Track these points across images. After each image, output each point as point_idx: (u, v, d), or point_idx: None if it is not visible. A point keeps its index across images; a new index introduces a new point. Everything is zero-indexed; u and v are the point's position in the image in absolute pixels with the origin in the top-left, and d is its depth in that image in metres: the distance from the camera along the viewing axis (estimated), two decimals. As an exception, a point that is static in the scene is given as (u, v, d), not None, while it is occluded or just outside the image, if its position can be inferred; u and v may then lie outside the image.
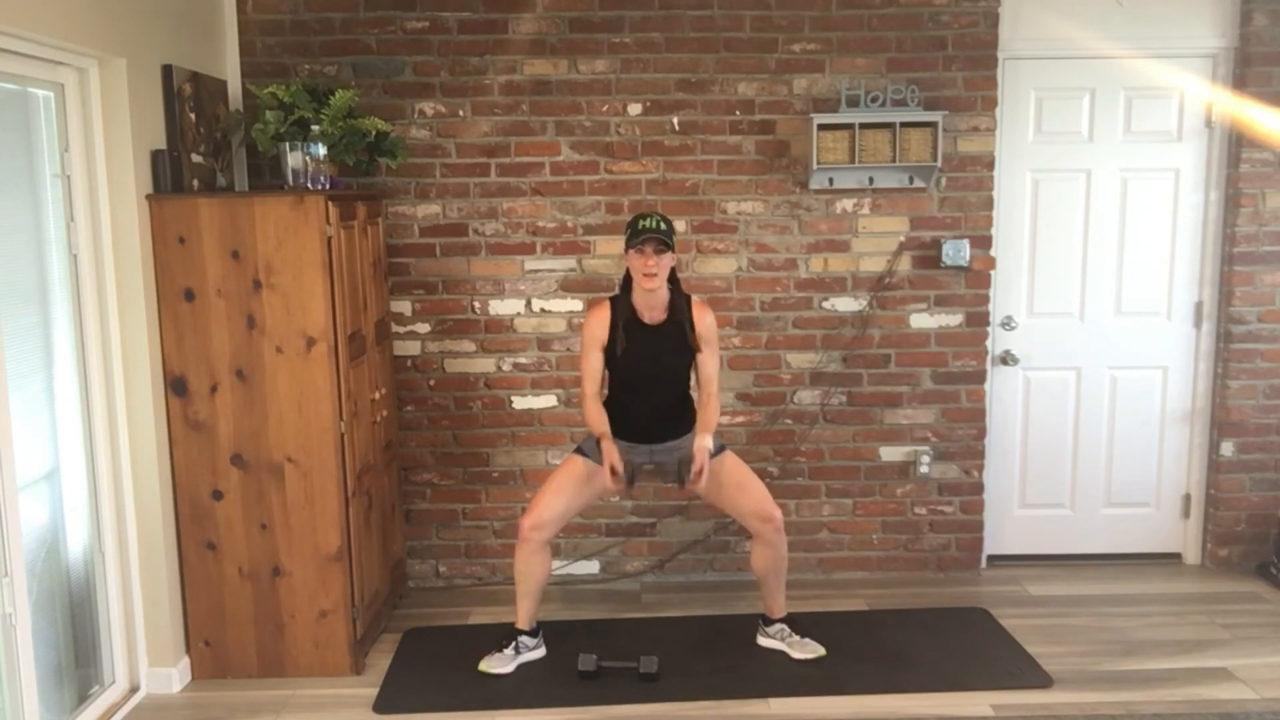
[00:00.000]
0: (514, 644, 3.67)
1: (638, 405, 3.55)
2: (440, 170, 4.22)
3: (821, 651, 3.66)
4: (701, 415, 3.52)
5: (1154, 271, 4.43)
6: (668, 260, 3.43)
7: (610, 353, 3.51)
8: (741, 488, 3.58)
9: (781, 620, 3.75)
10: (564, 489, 3.57)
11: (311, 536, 3.54)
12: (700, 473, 3.37)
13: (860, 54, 4.19)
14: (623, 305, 3.53)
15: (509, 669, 3.61)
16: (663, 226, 3.41)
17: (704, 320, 3.54)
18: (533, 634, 3.72)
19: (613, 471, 3.37)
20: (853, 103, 4.11)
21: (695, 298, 3.61)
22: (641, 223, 3.43)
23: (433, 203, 4.24)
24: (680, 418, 3.59)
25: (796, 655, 3.66)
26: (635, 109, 4.20)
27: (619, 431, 3.51)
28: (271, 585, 3.57)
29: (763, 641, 3.76)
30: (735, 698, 3.42)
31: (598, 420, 3.47)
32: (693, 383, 3.61)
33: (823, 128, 4.09)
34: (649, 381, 3.55)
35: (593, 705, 3.39)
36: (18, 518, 2.84)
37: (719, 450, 3.59)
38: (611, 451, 3.39)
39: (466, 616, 4.14)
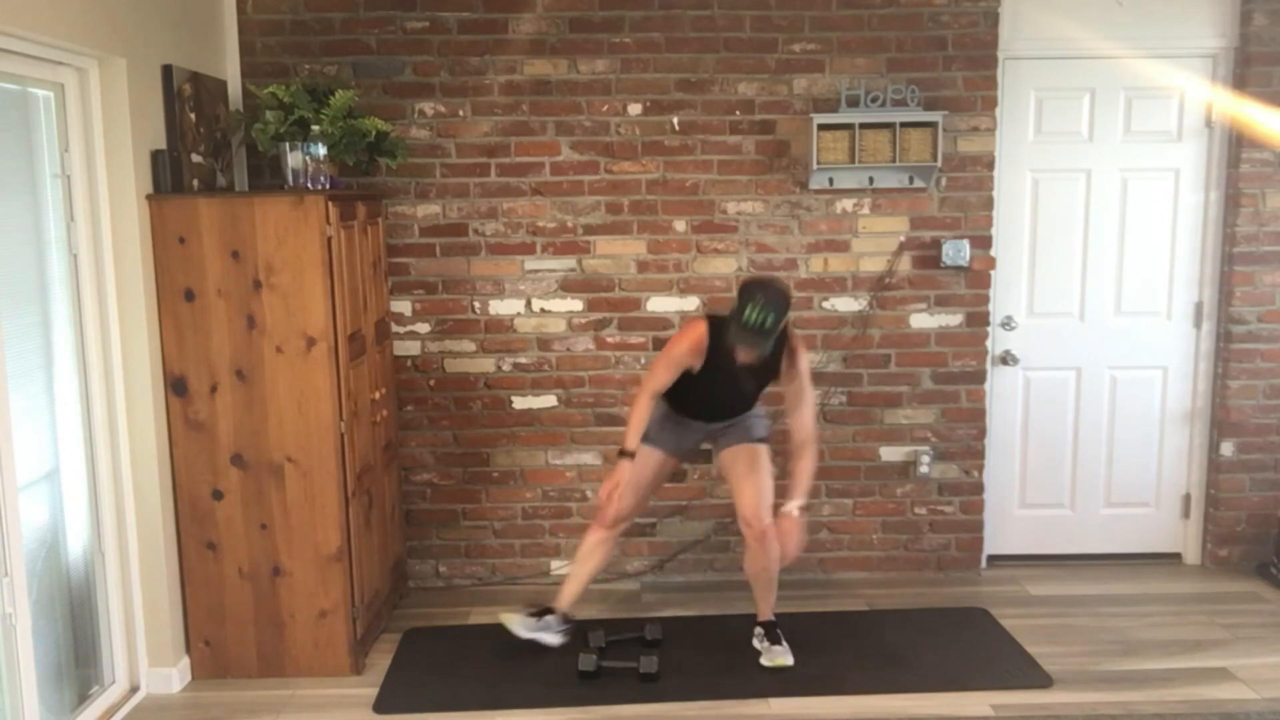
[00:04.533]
0: (544, 617, 3.72)
1: (708, 401, 3.58)
2: (440, 170, 4.22)
3: (787, 663, 3.59)
4: (795, 474, 3.46)
5: (1154, 271, 4.43)
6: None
7: (704, 377, 3.47)
8: (745, 480, 3.58)
9: (762, 624, 3.74)
10: (641, 475, 3.61)
11: (311, 536, 3.54)
12: (789, 545, 3.46)
13: (860, 54, 4.19)
14: (720, 340, 3.37)
15: (524, 636, 3.68)
16: (766, 325, 3.19)
17: (796, 364, 3.44)
18: (563, 620, 3.76)
19: (608, 499, 3.47)
20: (853, 103, 4.11)
21: (791, 337, 3.47)
22: (749, 315, 3.20)
23: (433, 203, 4.24)
24: (745, 408, 3.64)
25: (764, 662, 3.62)
26: (635, 109, 4.20)
27: (680, 406, 3.60)
28: (271, 585, 3.57)
29: (753, 641, 3.76)
30: (735, 698, 3.42)
31: (632, 435, 3.47)
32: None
33: (823, 128, 4.09)
34: (727, 398, 3.59)
35: (593, 705, 3.39)
36: (18, 518, 2.84)
37: (761, 438, 3.64)
38: (624, 477, 3.45)
39: (466, 616, 4.14)
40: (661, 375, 3.48)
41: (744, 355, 3.34)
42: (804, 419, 3.49)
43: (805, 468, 3.47)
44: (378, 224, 4.04)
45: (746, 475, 3.58)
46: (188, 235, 3.39)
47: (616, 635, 3.81)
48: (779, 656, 3.61)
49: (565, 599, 3.75)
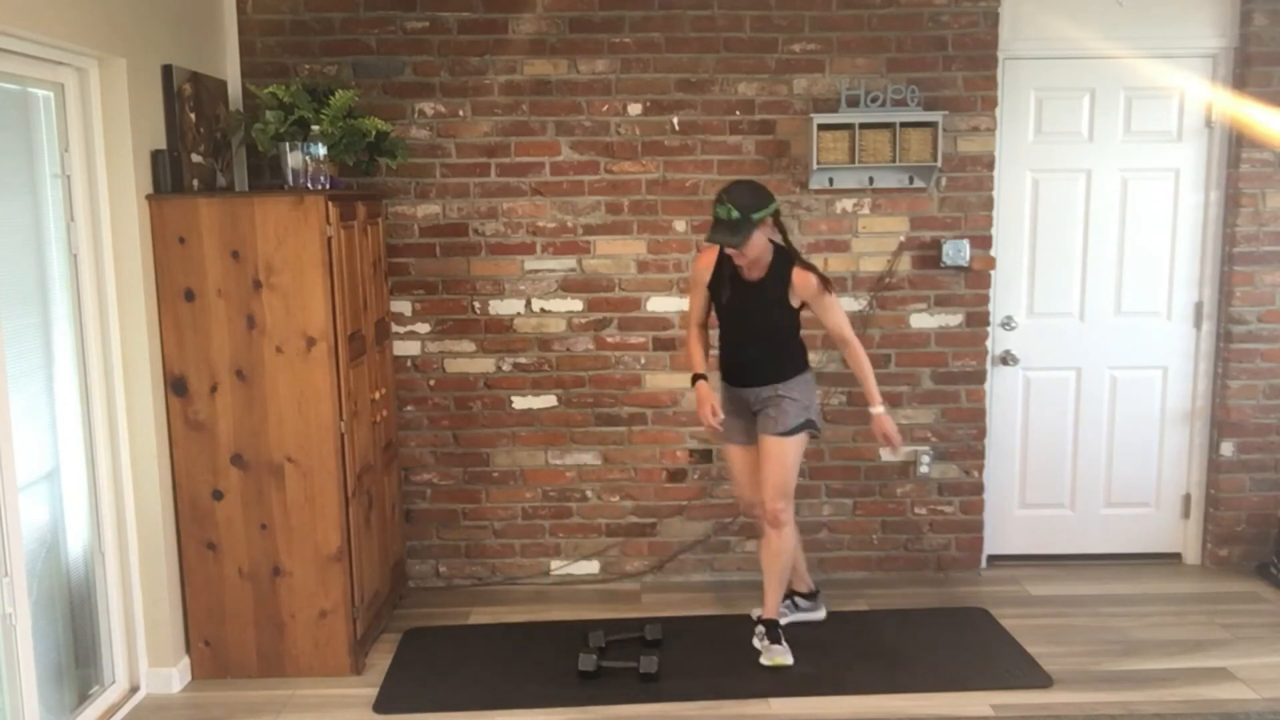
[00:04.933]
0: (790, 602, 3.94)
1: (739, 350, 3.64)
2: (440, 170, 4.22)
3: (786, 662, 3.59)
4: (860, 379, 3.59)
5: (1154, 271, 4.43)
6: (754, 245, 3.39)
7: (715, 297, 3.61)
8: (764, 464, 3.60)
9: (765, 621, 3.72)
10: (737, 468, 3.77)
11: (311, 536, 3.54)
12: (889, 438, 3.59)
13: (860, 54, 4.19)
14: (728, 257, 3.52)
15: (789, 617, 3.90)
16: (733, 217, 3.32)
17: (803, 287, 3.48)
18: (808, 596, 3.97)
19: (712, 412, 3.56)
20: (853, 103, 4.11)
21: (799, 261, 3.51)
22: (717, 210, 3.37)
23: (433, 203, 4.24)
24: (774, 367, 3.60)
25: (763, 661, 3.62)
26: (635, 109, 4.20)
27: (726, 368, 3.69)
28: (271, 585, 3.57)
29: (754, 640, 3.75)
30: (735, 698, 3.42)
31: (695, 359, 3.68)
32: (795, 335, 3.62)
33: (823, 128, 4.09)
34: (748, 332, 3.60)
35: (593, 705, 3.39)
36: (18, 518, 2.84)
37: (801, 426, 3.58)
38: (705, 393, 3.58)
39: (466, 616, 4.14)
40: (692, 300, 3.71)
41: (738, 260, 3.46)
42: (835, 330, 3.55)
43: (860, 373, 3.58)
44: (378, 224, 4.04)
45: (766, 460, 3.60)
46: (188, 235, 3.39)
47: (616, 635, 3.82)
48: (778, 656, 3.61)
49: (799, 581, 3.95)
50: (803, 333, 3.62)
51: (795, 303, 3.52)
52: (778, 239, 3.53)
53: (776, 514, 3.58)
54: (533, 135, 4.20)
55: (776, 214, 3.47)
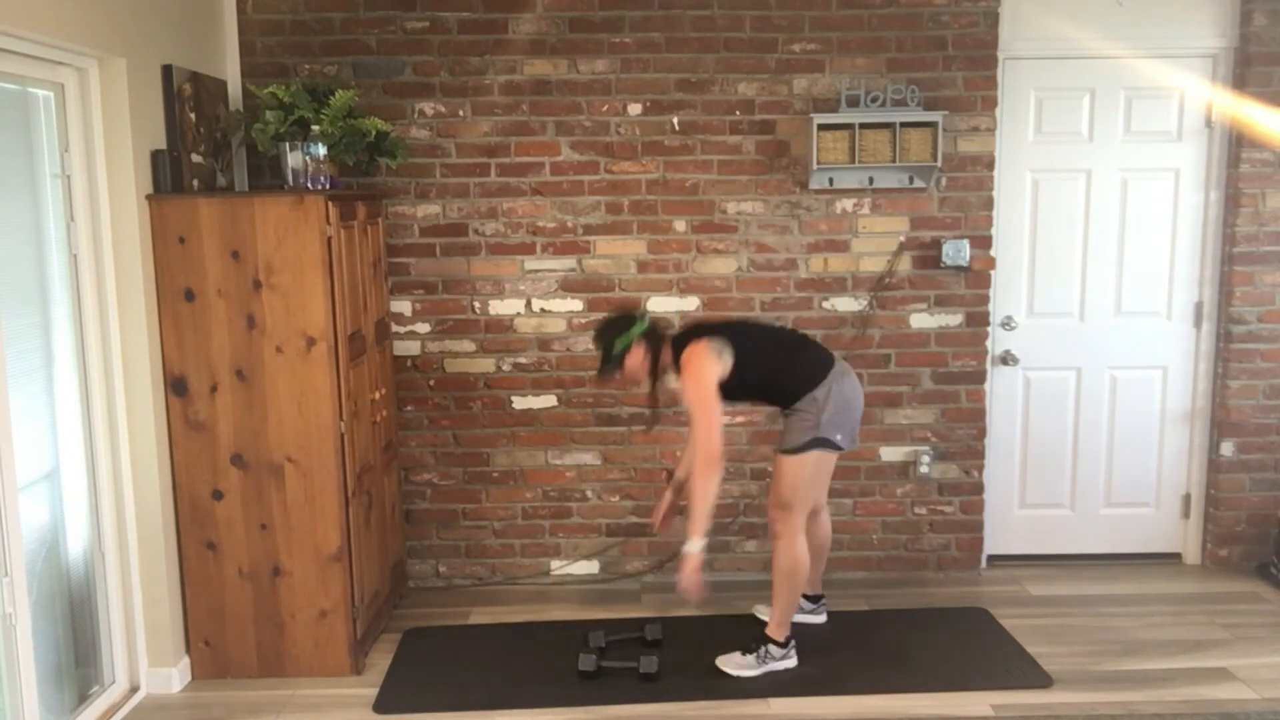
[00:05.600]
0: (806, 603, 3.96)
1: None
2: (440, 170, 4.22)
3: (739, 674, 3.53)
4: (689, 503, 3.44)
5: (1154, 271, 4.43)
6: (630, 370, 3.50)
7: None
8: (772, 476, 3.61)
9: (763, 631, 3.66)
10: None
11: (311, 536, 3.54)
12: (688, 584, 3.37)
13: (860, 54, 4.19)
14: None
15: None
16: (601, 353, 3.50)
17: (681, 387, 3.47)
18: (812, 599, 3.95)
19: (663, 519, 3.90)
20: (853, 103, 4.11)
21: (685, 357, 3.44)
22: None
23: (433, 203, 4.24)
24: (774, 401, 3.58)
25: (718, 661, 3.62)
26: (635, 109, 4.20)
27: None
28: (271, 585, 3.57)
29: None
30: (735, 698, 3.42)
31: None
32: (770, 376, 3.53)
33: (823, 128, 4.09)
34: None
35: (593, 705, 3.39)
36: (18, 518, 2.84)
37: (806, 445, 3.45)
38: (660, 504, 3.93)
39: (466, 616, 4.14)
40: None
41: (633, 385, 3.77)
42: (691, 444, 3.44)
43: (689, 502, 3.39)
44: (378, 224, 4.04)
45: (774, 475, 3.58)
46: (188, 235, 3.40)
47: (616, 635, 3.82)
48: (736, 666, 3.56)
49: (810, 585, 3.93)
50: (810, 333, 3.59)
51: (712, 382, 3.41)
52: (665, 353, 3.54)
53: (772, 522, 3.56)
54: (533, 135, 4.20)
55: (648, 331, 3.50)
